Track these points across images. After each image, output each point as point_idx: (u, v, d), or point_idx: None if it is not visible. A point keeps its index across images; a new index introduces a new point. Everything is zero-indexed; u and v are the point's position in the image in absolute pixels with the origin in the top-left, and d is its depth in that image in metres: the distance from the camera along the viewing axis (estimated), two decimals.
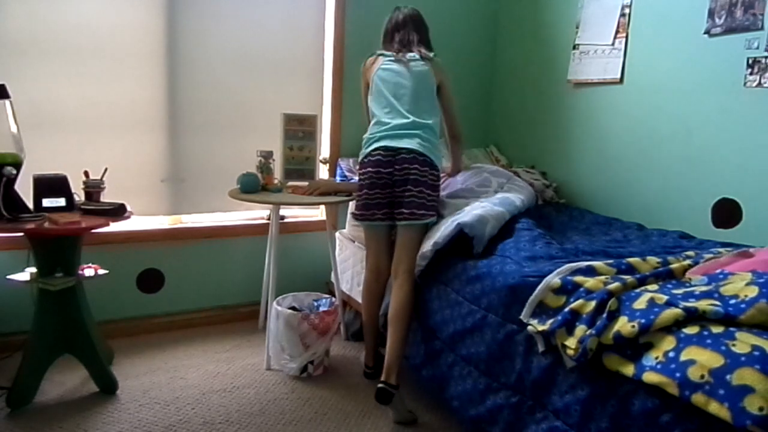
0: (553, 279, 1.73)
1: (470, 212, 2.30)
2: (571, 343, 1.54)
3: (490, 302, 1.93)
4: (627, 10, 2.89)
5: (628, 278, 1.67)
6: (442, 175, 2.63)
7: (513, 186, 2.71)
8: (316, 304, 2.82)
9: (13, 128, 2.30)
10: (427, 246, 2.27)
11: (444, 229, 2.26)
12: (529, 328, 1.70)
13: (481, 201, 2.46)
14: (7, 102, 2.27)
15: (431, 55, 2.58)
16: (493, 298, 1.92)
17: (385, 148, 2.40)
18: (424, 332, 2.30)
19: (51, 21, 2.63)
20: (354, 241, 3.09)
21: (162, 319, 3.06)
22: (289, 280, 3.18)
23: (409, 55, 2.55)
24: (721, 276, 1.60)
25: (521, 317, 1.75)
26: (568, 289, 1.69)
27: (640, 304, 1.50)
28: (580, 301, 1.60)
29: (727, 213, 2.49)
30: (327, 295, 2.89)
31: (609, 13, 2.98)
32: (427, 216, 2.35)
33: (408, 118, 2.44)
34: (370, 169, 2.41)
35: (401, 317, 2.28)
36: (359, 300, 2.97)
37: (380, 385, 2.20)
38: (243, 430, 2.18)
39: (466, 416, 1.98)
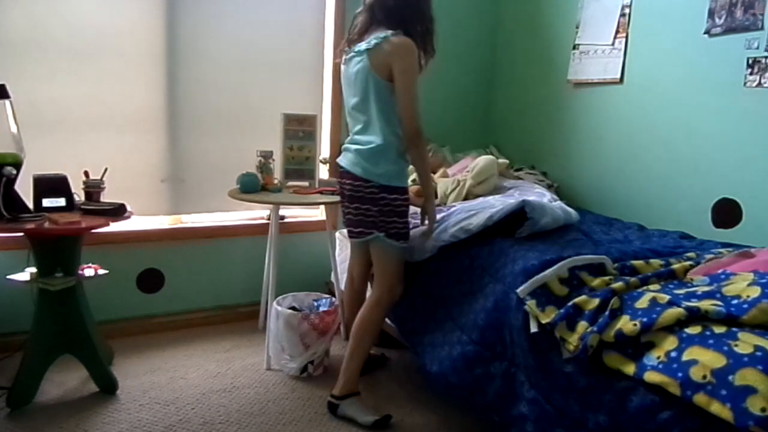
0: (563, 268, 1.73)
1: (534, 198, 2.33)
2: (572, 339, 1.54)
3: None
4: (627, 10, 2.89)
5: (631, 279, 1.67)
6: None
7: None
8: (316, 304, 2.82)
9: (13, 128, 2.30)
10: (479, 220, 2.21)
11: (502, 207, 2.21)
12: (526, 305, 1.70)
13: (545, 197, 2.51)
14: (7, 102, 2.26)
15: (382, 36, 2.11)
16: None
17: (337, 163, 2.34)
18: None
19: (51, 21, 2.63)
20: None
21: (162, 319, 3.06)
22: (289, 280, 3.18)
23: (356, 48, 2.20)
24: (722, 276, 1.60)
25: (518, 290, 1.74)
26: (573, 283, 1.69)
27: (643, 303, 1.50)
28: (583, 297, 1.60)
29: (727, 213, 2.49)
30: (327, 295, 2.89)
31: (609, 13, 2.98)
32: (364, 234, 2.24)
33: (352, 130, 2.29)
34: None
35: (356, 331, 2.30)
36: None
37: (328, 398, 2.31)
38: (243, 430, 2.18)
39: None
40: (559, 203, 2.55)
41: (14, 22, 2.56)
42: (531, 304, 1.68)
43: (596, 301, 1.57)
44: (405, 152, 2.21)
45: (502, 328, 1.86)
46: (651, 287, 1.63)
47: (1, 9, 2.53)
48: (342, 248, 3.19)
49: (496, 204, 2.31)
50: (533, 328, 1.68)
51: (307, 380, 2.60)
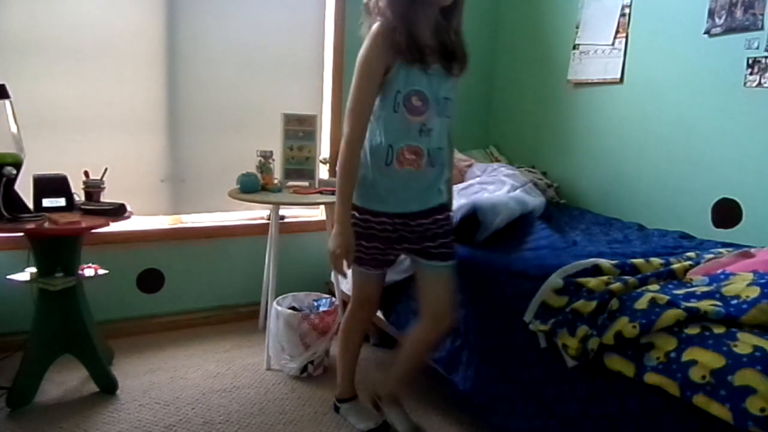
0: (556, 280, 1.73)
1: (484, 198, 2.29)
2: (573, 343, 1.54)
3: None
4: (627, 10, 2.89)
5: (630, 279, 1.67)
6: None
7: (526, 191, 2.66)
8: (316, 304, 2.82)
9: (13, 128, 2.30)
10: None
11: (454, 213, 2.17)
12: (531, 326, 1.71)
13: (496, 193, 2.46)
14: (7, 102, 2.26)
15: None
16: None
17: None
18: None
19: (51, 21, 2.63)
20: None
21: (162, 319, 3.06)
22: (289, 280, 3.18)
23: None
24: (722, 276, 1.60)
25: (524, 318, 1.75)
26: (570, 290, 1.69)
27: (642, 304, 1.49)
28: (581, 302, 1.60)
29: (727, 213, 2.49)
30: (327, 295, 2.89)
31: (609, 13, 2.98)
32: None
33: None
34: None
35: (338, 338, 2.29)
36: None
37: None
38: (243, 430, 2.18)
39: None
40: (515, 193, 2.52)
41: (14, 22, 2.56)
42: (536, 324, 1.69)
43: (593, 304, 1.56)
44: (373, 165, 1.92)
45: (508, 351, 1.86)
46: (650, 287, 1.63)
47: (1, 9, 2.53)
48: None
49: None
50: (542, 344, 1.68)
51: (307, 380, 2.60)
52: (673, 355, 1.34)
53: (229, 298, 3.24)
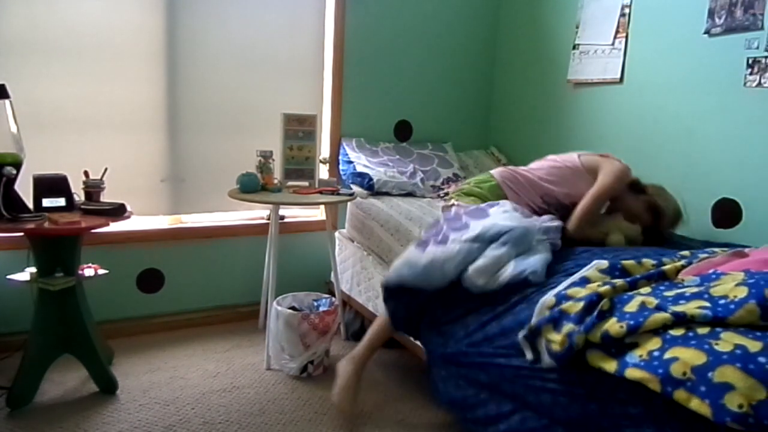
0: (548, 297, 1.70)
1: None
2: (557, 338, 1.53)
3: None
4: (627, 10, 2.89)
5: (618, 282, 1.65)
6: None
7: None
8: (316, 304, 2.82)
9: (13, 128, 2.31)
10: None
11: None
12: (519, 338, 1.67)
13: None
14: (7, 102, 2.27)
15: None
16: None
17: None
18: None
19: (51, 21, 2.65)
20: (353, 241, 3.09)
21: (162, 319, 3.07)
22: (289, 280, 3.19)
23: None
24: (713, 276, 1.59)
25: (518, 337, 1.71)
26: (561, 303, 1.67)
27: (632, 307, 1.49)
28: (569, 303, 1.59)
29: (727, 213, 2.48)
30: (327, 295, 2.90)
31: (609, 13, 2.98)
32: None
33: None
34: None
35: None
36: (359, 300, 2.98)
37: None
38: (243, 430, 2.18)
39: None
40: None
41: (14, 22, 2.58)
42: (522, 337, 1.67)
43: (581, 304, 1.56)
44: None
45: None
46: (641, 290, 1.62)
47: (1, 9, 2.55)
48: (342, 248, 3.20)
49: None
50: (529, 356, 1.65)
51: (307, 380, 2.61)
52: (656, 353, 1.34)
53: (229, 298, 3.25)
